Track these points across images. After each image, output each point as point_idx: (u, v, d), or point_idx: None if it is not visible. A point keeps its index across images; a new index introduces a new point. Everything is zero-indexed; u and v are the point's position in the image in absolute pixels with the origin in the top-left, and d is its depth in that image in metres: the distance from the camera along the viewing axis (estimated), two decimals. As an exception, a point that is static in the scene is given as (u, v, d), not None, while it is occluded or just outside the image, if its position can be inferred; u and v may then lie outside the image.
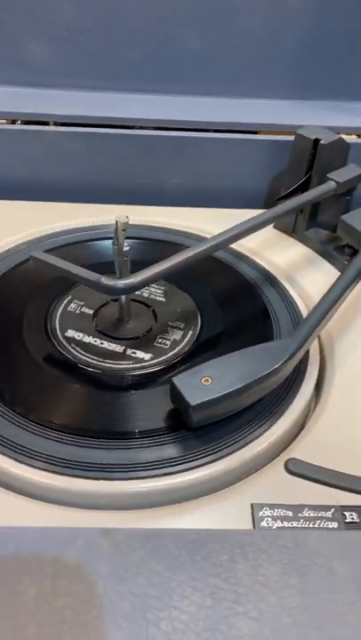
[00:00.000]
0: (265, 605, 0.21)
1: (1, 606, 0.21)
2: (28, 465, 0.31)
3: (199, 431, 0.33)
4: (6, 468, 0.31)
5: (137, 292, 0.42)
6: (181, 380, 0.32)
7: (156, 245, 0.47)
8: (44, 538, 0.23)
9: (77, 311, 0.40)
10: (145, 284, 0.36)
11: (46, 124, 0.55)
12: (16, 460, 0.31)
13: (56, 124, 0.55)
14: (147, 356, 0.37)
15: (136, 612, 0.21)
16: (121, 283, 0.35)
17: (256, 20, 0.51)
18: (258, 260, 0.47)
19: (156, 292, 0.43)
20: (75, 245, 0.47)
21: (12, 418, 0.33)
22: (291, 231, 0.50)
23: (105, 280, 0.35)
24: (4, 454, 0.31)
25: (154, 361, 0.37)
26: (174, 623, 0.21)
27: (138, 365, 0.37)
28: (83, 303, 0.41)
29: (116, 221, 0.35)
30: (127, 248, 0.36)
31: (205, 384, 0.32)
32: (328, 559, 0.22)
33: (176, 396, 0.32)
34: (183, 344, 0.38)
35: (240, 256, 0.47)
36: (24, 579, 0.22)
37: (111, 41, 0.52)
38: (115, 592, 0.21)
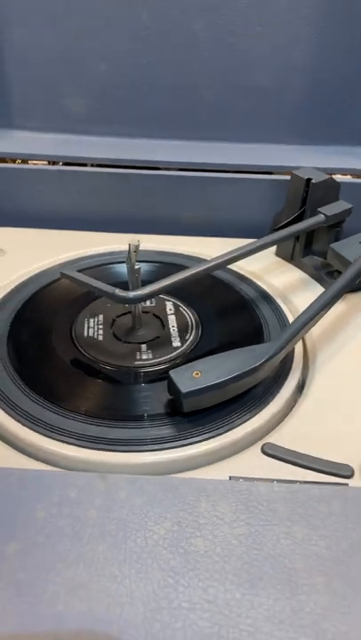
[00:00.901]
0: (219, 532, 0.27)
1: (21, 522, 0.28)
2: (61, 442, 0.37)
3: (190, 416, 0.39)
4: (44, 446, 0.37)
5: (149, 306, 0.49)
6: (176, 373, 0.39)
7: (168, 267, 0.55)
8: (56, 478, 0.30)
9: (98, 320, 0.48)
10: (152, 295, 0.43)
11: (84, 165, 0.64)
12: (51, 437, 0.38)
13: (92, 165, 0.64)
14: (151, 358, 0.44)
15: (118, 532, 0.27)
16: (132, 294, 0.43)
17: (264, 75, 0.59)
18: (257, 282, 0.54)
19: (166, 307, 0.50)
20: (99, 267, 0.55)
21: (48, 405, 0.40)
22: (290, 258, 0.57)
23: (119, 292, 0.43)
24: (42, 434, 0.38)
25: (156, 361, 0.44)
26: (147, 540, 0.27)
27: (144, 364, 0.44)
28: (102, 314, 0.49)
29: (130, 244, 0.43)
30: (138, 266, 0.44)
31: (196, 377, 0.39)
32: (272, 502, 0.29)
33: (171, 385, 0.39)
34: (183, 349, 0.45)
35: (242, 278, 0.54)
36: (38, 505, 0.28)
37: (138, 95, 0.61)
38: (104, 517, 0.28)
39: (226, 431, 0.39)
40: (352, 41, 0.57)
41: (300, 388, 0.44)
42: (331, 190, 0.53)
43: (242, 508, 0.28)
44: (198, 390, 0.38)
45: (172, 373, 0.39)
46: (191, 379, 0.39)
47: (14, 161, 0.64)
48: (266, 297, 0.52)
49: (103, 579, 0.26)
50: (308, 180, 0.52)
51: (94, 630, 0.24)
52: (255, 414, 0.40)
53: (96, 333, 0.47)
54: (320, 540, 0.27)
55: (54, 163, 0.63)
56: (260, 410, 0.40)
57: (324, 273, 0.54)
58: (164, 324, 0.48)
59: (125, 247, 0.57)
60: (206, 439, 0.38)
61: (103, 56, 0.59)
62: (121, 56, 0.59)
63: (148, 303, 0.50)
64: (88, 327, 0.47)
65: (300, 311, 0.50)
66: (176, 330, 0.47)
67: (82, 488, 0.29)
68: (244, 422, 0.39)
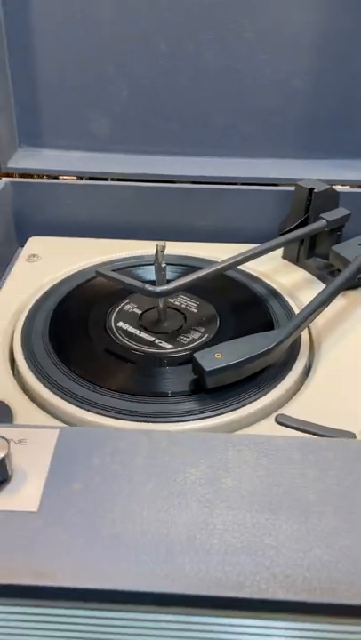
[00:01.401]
0: (244, 473, 0.33)
1: (81, 468, 0.34)
2: (98, 414, 0.43)
3: (211, 393, 0.45)
4: (84, 418, 0.43)
5: (174, 302, 0.55)
6: (200, 354, 0.45)
7: (188, 269, 0.61)
8: (108, 433, 0.36)
9: (129, 312, 0.54)
10: (176, 289, 0.50)
11: (106, 179, 0.71)
12: (89, 411, 0.44)
13: (113, 179, 0.71)
14: (174, 346, 0.50)
15: (161, 474, 0.33)
16: (159, 288, 0.49)
17: (268, 98, 0.66)
18: (267, 281, 0.60)
19: (188, 304, 0.56)
20: (124, 270, 0.62)
21: (86, 384, 0.46)
22: (295, 260, 0.63)
23: (148, 286, 0.49)
24: (82, 408, 0.44)
25: (179, 349, 0.50)
26: (186, 480, 0.33)
27: (169, 351, 0.50)
28: (132, 309, 0.55)
29: (157, 246, 0.49)
30: (164, 265, 0.50)
31: (217, 358, 0.45)
32: (287, 451, 0.34)
33: (196, 365, 0.45)
34: (203, 339, 0.51)
35: (253, 277, 0.60)
36: (94, 455, 0.34)
37: (156, 117, 0.67)
38: (149, 463, 0.34)
39: (243, 405, 0.45)
40: (348, 67, 0.64)
41: (307, 371, 0.50)
42: (331, 199, 0.60)
43: (262, 455, 0.34)
44: (220, 369, 0.44)
45: (196, 355, 0.45)
46: (213, 359, 0.45)
47: (45, 177, 0.70)
48: (275, 294, 0.58)
49: (152, 509, 0.31)
50: (311, 189, 0.59)
51: (146, 545, 0.30)
52: (269, 391, 0.46)
53: (126, 325, 0.53)
54: (328, 478, 0.33)
55: (80, 178, 0.70)
56: (273, 387, 0.46)
57: (326, 272, 0.60)
58: (186, 317, 0.54)
59: (145, 252, 0.64)
60: (226, 412, 0.44)
61: (125, 83, 0.66)
62: (141, 82, 0.66)
63: (171, 300, 0.56)
64: (119, 320, 0.53)
65: (306, 305, 0.56)
66: (196, 322, 0.54)
67: (129, 441, 0.35)
68: (259, 397, 0.45)
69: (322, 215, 0.58)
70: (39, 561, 0.29)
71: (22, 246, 0.68)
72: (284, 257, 0.64)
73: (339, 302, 0.56)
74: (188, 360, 0.48)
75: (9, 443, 0.33)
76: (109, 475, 0.33)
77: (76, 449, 0.35)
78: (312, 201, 0.59)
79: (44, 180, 0.70)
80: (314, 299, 0.50)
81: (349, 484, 0.33)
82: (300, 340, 0.51)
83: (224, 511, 0.31)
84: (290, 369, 0.48)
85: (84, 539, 0.30)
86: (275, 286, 0.59)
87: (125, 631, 0.32)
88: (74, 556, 0.29)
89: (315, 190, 0.58)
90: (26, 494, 0.32)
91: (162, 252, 0.49)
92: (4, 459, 0.32)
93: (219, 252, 0.63)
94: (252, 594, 0.28)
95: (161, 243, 0.49)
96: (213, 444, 0.35)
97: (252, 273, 0.61)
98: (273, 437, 0.36)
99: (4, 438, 0.33)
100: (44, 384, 0.46)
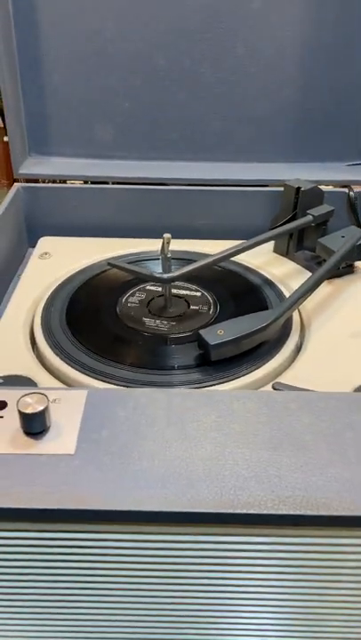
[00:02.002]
0: (248, 420, 0.39)
1: (108, 419, 0.39)
2: (111, 384, 0.49)
3: (214, 365, 0.51)
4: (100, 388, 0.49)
5: (178, 291, 0.61)
6: (205, 331, 0.51)
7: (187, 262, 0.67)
8: (131, 391, 0.41)
9: (137, 300, 0.60)
10: (181, 276, 0.56)
11: (106, 183, 0.76)
12: (104, 382, 0.49)
13: (114, 183, 0.77)
14: (179, 328, 0.56)
15: (178, 422, 0.39)
16: (166, 275, 0.55)
17: (258, 107, 0.73)
18: (260, 271, 0.66)
19: (190, 292, 0.62)
20: (131, 264, 0.67)
21: (103, 360, 0.52)
22: (285, 253, 0.69)
23: (156, 274, 0.55)
24: (99, 379, 0.49)
25: (183, 330, 0.56)
26: (199, 426, 0.38)
27: (174, 332, 0.56)
28: (140, 298, 0.61)
29: (163, 237, 0.55)
30: (169, 255, 0.56)
31: (220, 334, 0.51)
32: (285, 402, 0.40)
33: (201, 341, 0.51)
34: (204, 323, 0.57)
35: (248, 269, 0.66)
36: (119, 408, 0.40)
37: (155, 126, 0.74)
38: (167, 415, 0.39)
39: (243, 375, 0.50)
40: (331, 79, 0.71)
41: (299, 348, 0.55)
42: (316, 196, 0.66)
43: (263, 406, 0.40)
44: (222, 343, 0.50)
45: (201, 332, 0.51)
46: (216, 335, 0.51)
47: (54, 181, 0.76)
48: (268, 282, 0.64)
49: (172, 449, 0.37)
50: (298, 188, 0.65)
51: (170, 477, 0.35)
52: (266, 363, 0.52)
53: (135, 311, 0.58)
54: (321, 423, 0.39)
55: (86, 182, 0.76)
56: (269, 360, 0.52)
57: (314, 263, 0.66)
58: (189, 304, 0.60)
59: (147, 249, 0.70)
60: (228, 381, 0.50)
61: (127, 95, 0.72)
62: (142, 94, 0.72)
63: (175, 289, 0.61)
64: (129, 306, 0.59)
65: (297, 291, 0.62)
66: (198, 308, 0.59)
67: (149, 397, 0.41)
68: (257, 369, 0.51)
69: (308, 211, 0.64)
70: (80, 491, 0.35)
71: (32, 247, 0.73)
72: (275, 251, 0.70)
73: (326, 289, 0.62)
74: (192, 339, 0.53)
75: (48, 398, 0.38)
76: (133, 424, 0.39)
77: (103, 405, 0.40)
78: (299, 198, 0.65)
79: (53, 185, 0.76)
80: (303, 283, 0.57)
81: (339, 427, 0.38)
82: (292, 320, 0.57)
83: (233, 450, 0.37)
84: (283, 344, 0.54)
85: (116, 473, 0.36)
86: (268, 276, 0.65)
87: (156, 546, 0.37)
88: (108, 487, 0.35)
89: (302, 189, 0.65)
90: (63, 441, 0.38)
91: (168, 243, 0.55)
92: (44, 410, 0.38)
93: (216, 248, 0.69)
94: (260, 510, 0.34)
95: (167, 235, 0.55)
96: (221, 398, 0.41)
97: (247, 265, 0.67)
98: (272, 392, 0.42)
99: (43, 394, 0.39)
100: (62, 359, 0.52)
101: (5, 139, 0.99)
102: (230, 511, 0.34)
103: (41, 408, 0.38)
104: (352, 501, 0.34)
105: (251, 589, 0.38)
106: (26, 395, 0.38)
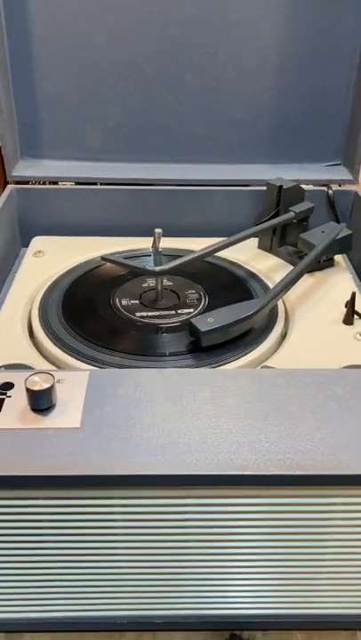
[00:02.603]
0: (240, 395, 0.42)
1: (110, 396, 0.42)
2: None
3: (206, 351, 0.54)
4: None
5: (169, 284, 0.64)
6: (196, 319, 0.54)
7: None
8: (131, 372, 0.44)
9: (130, 293, 0.63)
10: (172, 269, 0.59)
11: (96, 184, 0.80)
12: (100, 368, 0.52)
13: (102, 183, 0.80)
14: (171, 318, 0.59)
15: (175, 397, 0.42)
16: (158, 268, 0.58)
17: (240, 112, 0.76)
18: (247, 266, 0.69)
19: (181, 286, 0.65)
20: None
21: (98, 348, 0.54)
22: (269, 249, 0.73)
23: (148, 266, 0.58)
24: (95, 366, 0.52)
25: (174, 320, 0.59)
26: (195, 400, 0.41)
27: (166, 322, 0.59)
28: (133, 291, 0.63)
29: (154, 232, 0.58)
30: (161, 249, 0.59)
31: (210, 321, 0.54)
32: (273, 378, 0.43)
33: (192, 328, 0.54)
34: (195, 313, 0.60)
35: (234, 264, 0.70)
36: (120, 387, 0.43)
37: (143, 130, 0.77)
38: (164, 391, 0.42)
39: (232, 360, 0.54)
40: (308, 85, 0.75)
41: (284, 335, 0.59)
42: (298, 194, 0.70)
43: (254, 382, 0.43)
44: (213, 330, 0.53)
45: (192, 320, 0.54)
46: (207, 323, 0.54)
47: (45, 183, 0.79)
48: (253, 276, 0.68)
49: (170, 421, 0.40)
50: (281, 186, 0.69)
51: (169, 445, 0.38)
52: (254, 349, 0.55)
53: (129, 303, 0.61)
54: (305, 395, 0.42)
55: (77, 184, 0.79)
56: (257, 346, 0.55)
57: (296, 257, 0.70)
58: (179, 296, 0.63)
59: (137, 247, 0.73)
60: (217, 366, 0.53)
61: (116, 101, 0.75)
62: (130, 100, 0.75)
63: (166, 282, 0.64)
64: (122, 299, 0.62)
65: (281, 283, 0.66)
66: (189, 300, 0.63)
67: (147, 376, 0.44)
68: (246, 354, 0.54)
69: (290, 208, 0.68)
70: (86, 459, 0.37)
71: (26, 247, 0.76)
72: (259, 247, 0.73)
73: (308, 281, 0.66)
74: (183, 328, 0.57)
75: (54, 377, 0.41)
76: (133, 400, 0.42)
77: (105, 384, 0.43)
78: (282, 196, 0.69)
79: (45, 186, 0.78)
80: (287, 275, 0.60)
81: (323, 399, 0.42)
82: (277, 309, 0.61)
83: (227, 420, 0.40)
84: (270, 331, 0.58)
85: (119, 443, 0.38)
86: (253, 270, 0.69)
87: (159, 510, 0.40)
88: (112, 455, 0.38)
89: (284, 187, 0.69)
90: (68, 416, 0.41)
91: (158, 237, 0.58)
92: (51, 388, 0.41)
93: (203, 245, 0.72)
94: (253, 471, 0.37)
95: (158, 230, 0.58)
96: (214, 375, 0.44)
97: (233, 260, 0.70)
98: (261, 370, 0.45)
99: (49, 374, 0.41)
100: (59, 347, 0.54)
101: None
102: (226, 473, 0.37)
103: (47, 386, 0.40)
104: (337, 462, 0.37)
105: (247, 545, 0.41)
106: (33, 374, 0.41)
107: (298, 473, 0.37)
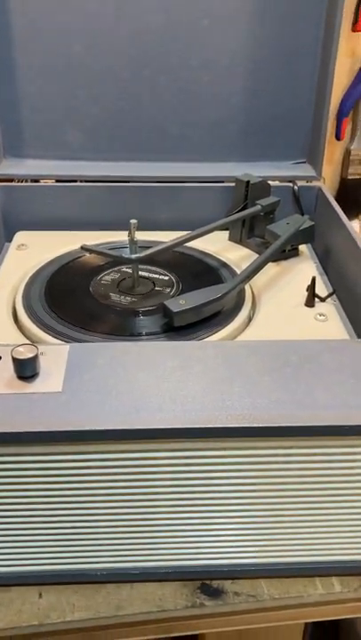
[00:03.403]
0: (207, 363, 0.47)
1: (90, 365, 0.46)
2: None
3: (178, 330, 0.59)
4: None
5: (145, 274, 0.69)
6: (169, 301, 0.59)
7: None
8: (108, 345, 0.49)
9: (108, 281, 0.67)
10: (147, 257, 0.63)
11: (76, 181, 0.84)
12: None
13: (82, 181, 0.84)
14: (142, 303, 0.64)
15: (148, 363, 0.46)
16: (134, 256, 0.63)
17: (211, 112, 0.81)
18: (218, 256, 0.74)
19: (156, 274, 0.70)
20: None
21: (77, 329, 0.59)
22: (239, 240, 0.78)
23: (124, 254, 0.63)
24: (73, 343, 0.57)
25: (150, 304, 0.63)
26: (166, 368, 0.46)
27: (141, 306, 0.63)
28: (111, 279, 0.68)
29: (130, 223, 0.63)
30: (136, 238, 0.64)
31: (182, 303, 0.59)
32: (237, 348, 0.48)
33: (166, 310, 0.58)
34: (167, 299, 0.65)
35: (206, 254, 0.75)
36: (98, 357, 0.47)
37: (121, 130, 0.82)
38: (137, 361, 0.47)
39: (203, 338, 0.58)
40: (275, 88, 0.80)
41: (250, 318, 0.64)
42: (264, 189, 0.75)
43: (220, 352, 0.48)
44: (184, 310, 0.58)
45: (165, 302, 0.59)
46: (179, 304, 0.59)
47: (28, 181, 0.83)
48: (224, 265, 0.72)
49: (143, 385, 0.44)
50: (248, 182, 0.74)
51: (142, 402, 0.43)
52: (222, 328, 0.60)
53: (106, 290, 0.66)
54: (265, 362, 0.47)
55: (58, 181, 0.83)
56: (225, 326, 0.60)
57: (263, 248, 0.74)
58: (155, 284, 0.68)
59: (114, 240, 0.78)
60: (190, 344, 0.58)
61: (94, 103, 0.80)
62: (107, 102, 0.80)
63: (142, 272, 0.69)
64: (101, 286, 0.67)
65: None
66: (163, 287, 0.67)
67: (122, 348, 0.48)
68: (215, 333, 0.59)
69: (257, 202, 0.73)
70: (68, 416, 0.42)
71: (9, 242, 0.80)
72: (229, 239, 0.78)
73: (274, 269, 0.71)
74: (157, 312, 0.61)
75: (37, 348, 0.45)
76: (110, 369, 0.46)
77: (84, 355, 0.48)
78: (249, 191, 0.74)
79: (27, 184, 0.83)
80: (253, 261, 0.65)
81: (280, 365, 0.47)
82: (245, 294, 0.65)
83: (194, 384, 0.45)
84: (237, 314, 0.62)
85: (97, 403, 0.43)
86: (224, 259, 0.74)
87: (134, 463, 0.44)
88: (91, 413, 0.42)
89: (251, 182, 0.74)
90: (51, 383, 0.45)
91: (134, 227, 0.63)
92: (35, 357, 0.45)
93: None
94: (217, 424, 0.41)
95: (133, 220, 0.63)
96: (184, 346, 0.49)
97: (205, 251, 0.75)
98: (226, 342, 0.50)
99: (33, 345, 0.46)
100: (41, 329, 0.59)
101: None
102: (193, 426, 0.41)
103: (31, 355, 0.45)
104: (291, 415, 0.42)
105: (214, 497, 0.45)
106: (18, 346, 0.45)
107: (255, 425, 0.41)
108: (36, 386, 0.45)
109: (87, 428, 0.41)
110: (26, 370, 0.45)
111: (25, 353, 0.45)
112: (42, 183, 0.83)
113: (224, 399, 0.43)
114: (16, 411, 0.42)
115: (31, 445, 0.42)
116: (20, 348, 0.45)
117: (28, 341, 0.58)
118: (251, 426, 0.41)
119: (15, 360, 0.44)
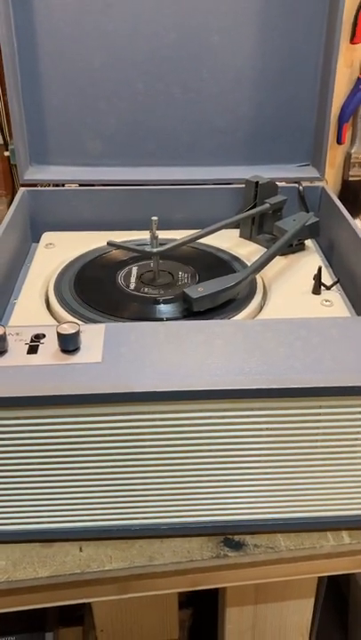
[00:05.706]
0: (228, 338, 0.53)
1: (123, 341, 0.52)
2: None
3: (196, 315, 0.65)
4: None
5: (163, 267, 0.75)
6: (188, 289, 0.65)
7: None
8: (138, 326, 0.55)
9: (131, 273, 0.74)
10: (167, 250, 0.70)
11: (95, 185, 0.91)
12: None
13: (102, 185, 0.91)
14: (163, 292, 0.70)
15: (176, 340, 0.52)
16: (155, 249, 0.69)
17: (222, 120, 0.88)
18: (230, 251, 0.81)
19: (174, 268, 0.76)
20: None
21: (106, 316, 0.65)
22: (249, 237, 0.84)
23: (147, 248, 0.69)
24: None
25: (170, 293, 0.70)
26: (192, 342, 0.52)
27: (162, 295, 0.69)
28: (134, 272, 0.74)
29: (152, 220, 0.70)
30: (157, 234, 0.70)
31: (200, 290, 0.65)
32: (254, 326, 0.54)
33: (186, 296, 0.65)
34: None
35: (219, 249, 0.81)
36: (131, 334, 0.53)
37: (137, 139, 0.88)
38: (166, 337, 0.53)
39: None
40: (280, 98, 0.87)
41: (262, 306, 0.70)
42: (272, 189, 0.81)
43: (239, 329, 0.54)
44: (203, 297, 0.64)
45: (185, 290, 0.65)
46: (198, 291, 0.65)
47: (52, 186, 0.90)
48: (236, 259, 0.79)
49: (173, 355, 0.50)
50: (257, 182, 0.80)
51: (172, 371, 0.49)
52: (237, 313, 0.66)
53: (130, 281, 0.72)
54: (279, 336, 0.53)
55: (80, 185, 0.90)
56: (240, 311, 0.66)
57: (272, 243, 0.80)
58: (173, 276, 0.74)
59: (135, 238, 0.84)
60: (209, 326, 0.64)
61: (113, 113, 0.87)
62: (125, 113, 0.87)
63: (162, 266, 0.75)
64: (125, 278, 0.73)
65: (259, 262, 0.77)
66: (181, 278, 0.74)
67: (152, 327, 0.55)
68: (231, 317, 0.65)
69: (266, 200, 0.80)
70: (108, 382, 0.48)
71: (36, 242, 0.87)
72: (240, 236, 0.85)
73: (283, 261, 0.77)
74: (177, 300, 0.68)
75: (79, 325, 0.52)
76: (143, 343, 0.52)
77: (118, 333, 0.54)
78: (258, 191, 0.81)
79: (52, 188, 0.89)
80: (264, 253, 0.72)
81: (292, 338, 0.53)
82: (256, 283, 0.72)
83: (217, 355, 0.51)
84: (250, 301, 0.69)
85: (134, 371, 0.49)
86: (236, 254, 0.80)
87: (169, 423, 0.50)
88: (129, 378, 0.48)
89: (259, 182, 0.80)
90: (92, 355, 0.51)
91: (155, 224, 0.69)
92: (77, 333, 0.51)
93: (192, 235, 0.84)
94: (238, 386, 0.47)
95: (154, 217, 0.69)
96: (206, 325, 0.55)
97: (217, 246, 0.82)
98: (244, 320, 0.56)
99: (76, 323, 0.52)
100: (73, 316, 0.65)
101: (6, 153, 1.13)
102: (218, 388, 0.47)
103: (74, 331, 0.51)
104: (302, 379, 0.48)
105: (238, 454, 0.51)
106: (63, 324, 0.52)
107: (272, 387, 0.47)
108: (79, 357, 0.51)
109: (125, 390, 0.47)
110: (69, 344, 0.51)
111: (68, 329, 0.51)
112: (66, 187, 0.90)
113: (244, 367, 0.49)
114: (62, 378, 0.49)
115: (75, 407, 0.48)
116: (65, 325, 0.51)
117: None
118: (268, 387, 0.47)
119: (60, 335, 0.51)
